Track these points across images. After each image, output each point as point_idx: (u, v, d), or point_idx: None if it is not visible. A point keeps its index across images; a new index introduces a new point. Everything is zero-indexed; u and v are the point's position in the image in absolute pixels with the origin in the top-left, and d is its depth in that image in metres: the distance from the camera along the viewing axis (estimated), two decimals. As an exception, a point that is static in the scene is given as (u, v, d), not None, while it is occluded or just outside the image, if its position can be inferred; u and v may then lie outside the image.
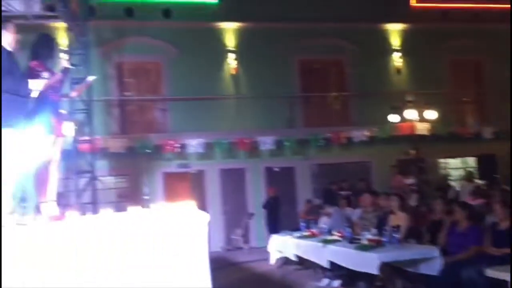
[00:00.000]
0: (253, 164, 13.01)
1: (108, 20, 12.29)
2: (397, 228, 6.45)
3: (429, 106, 12.12)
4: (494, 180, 12.09)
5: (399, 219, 6.81)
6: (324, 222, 8.59)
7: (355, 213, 9.04)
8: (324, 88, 14.05)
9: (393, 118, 12.30)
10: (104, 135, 11.72)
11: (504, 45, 14.61)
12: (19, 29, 4.03)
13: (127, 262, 3.03)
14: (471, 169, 14.03)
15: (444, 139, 13.06)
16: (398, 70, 14.33)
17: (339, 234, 6.99)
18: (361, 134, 12.63)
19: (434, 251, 5.61)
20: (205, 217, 3.56)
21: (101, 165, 11.40)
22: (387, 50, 14.44)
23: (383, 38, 14.48)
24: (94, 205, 9.95)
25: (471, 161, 14.51)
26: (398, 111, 12.07)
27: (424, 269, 5.63)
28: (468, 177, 12.09)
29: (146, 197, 11.45)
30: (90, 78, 5.48)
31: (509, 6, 14.42)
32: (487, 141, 13.47)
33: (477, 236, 5.57)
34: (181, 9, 13.07)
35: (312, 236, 7.69)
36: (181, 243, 3.25)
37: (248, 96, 13.08)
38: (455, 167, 14.46)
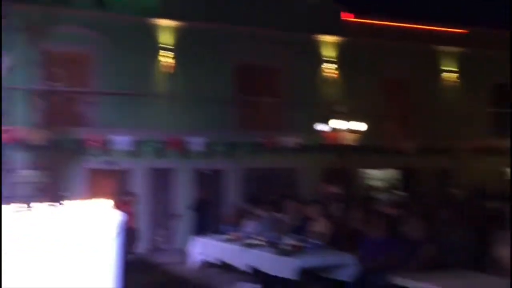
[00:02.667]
0: (182, 165, 12.84)
1: (37, 3, 11.64)
2: (318, 235, 6.60)
3: (358, 118, 12.52)
4: (413, 193, 12.69)
5: (321, 226, 6.96)
6: (249, 226, 8.62)
7: (280, 219, 9.16)
8: (259, 93, 14.16)
9: (323, 127, 12.58)
10: (26, 126, 11.08)
11: (431, 63, 15.59)
12: None
13: (30, 261, 2.85)
14: (393, 181, 14.69)
15: (370, 151, 13.55)
16: (332, 81, 14.71)
17: (262, 239, 7.02)
18: (292, 141, 12.81)
19: (350, 258, 5.76)
20: (117, 217, 3.41)
21: (21, 157, 10.78)
22: (323, 60, 14.77)
23: (320, 48, 14.81)
24: (9, 199, 9.36)
25: (395, 174, 15.16)
26: (328, 120, 12.37)
27: (340, 275, 5.78)
28: (390, 188, 12.61)
29: (65, 193, 10.97)
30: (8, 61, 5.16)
31: (435, 29, 15.38)
32: (409, 155, 14.09)
33: (389, 245, 5.77)
34: (118, 0, 12.70)
35: (236, 239, 7.66)
36: (88, 243, 3.10)
37: (182, 95, 12.90)
38: (379, 178, 15.04)
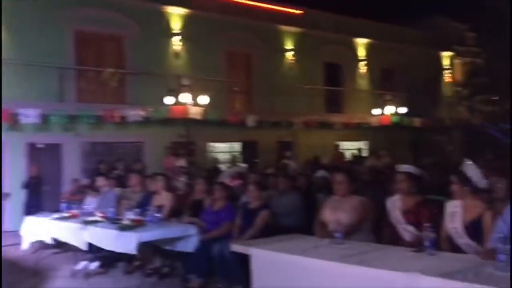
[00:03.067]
0: (12, 139, 11.67)
1: None
2: (160, 207, 6.57)
3: (203, 91, 12.65)
4: (253, 164, 13.34)
5: (163, 199, 6.94)
6: (90, 202, 8.24)
7: (122, 194, 8.92)
8: (100, 63, 13.42)
9: (168, 100, 12.44)
10: None
11: (271, 41, 16.37)
12: None
13: None
14: (235, 154, 15.26)
15: (214, 124, 13.82)
16: (177, 54, 14.58)
17: (102, 215, 6.76)
18: (136, 113, 12.43)
19: (191, 229, 5.86)
20: None
21: None
22: (168, 32, 14.52)
23: (165, 20, 14.51)
24: None
25: (237, 146, 15.74)
26: (174, 93, 12.27)
27: (182, 246, 5.85)
28: (232, 160, 13.03)
29: None
30: None
31: (275, 8, 16.21)
32: (251, 128, 14.69)
33: (229, 214, 6.02)
34: None
35: (73, 217, 7.27)
36: None
37: (12, 62, 11.60)
38: (223, 151, 15.49)
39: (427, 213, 4.34)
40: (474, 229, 3.84)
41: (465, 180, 3.99)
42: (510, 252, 3.03)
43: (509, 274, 2.93)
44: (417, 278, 3.06)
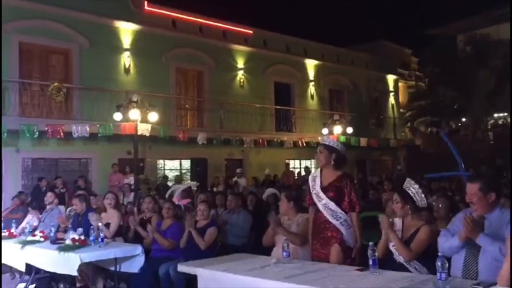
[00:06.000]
0: None
1: None
2: (106, 226, 6.37)
3: (152, 108, 12.49)
4: (203, 182, 13.22)
5: (110, 217, 6.75)
6: (30, 221, 7.90)
7: (66, 212, 8.63)
8: (46, 77, 13.02)
9: (117, 116, 12.16)
10: None
11: (222, 59, 16.46)
12: None
13: None
14: (186, 171, 15.10)
15: (164, 141, 13.63)
16: (126, 70, 14.36)
17: (42, 235, 6.48)
18: (83, 129, 12.05)
19: (137, 249, 5.70)
20: None
21: None
22: (117, 48, 14.30)
23: (115, 35, 14.29)
24: None
25: (186, 164, 15.57)
26: (122, 110, 12.04)
27: (126, 267, 5.68)
28: (182, 178, 12.86)
29: None
30: None
31: (226, 27, 16.36)
32: (201, 146, 14.57)
33: (176, 233, 5.91)
34: None
35: (12, 236, 6.91)
36: None
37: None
38: (172, 168, 15.28)
39: (347, 186, 4.31)
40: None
41: (407, 199, 4.09)
42: None
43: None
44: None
